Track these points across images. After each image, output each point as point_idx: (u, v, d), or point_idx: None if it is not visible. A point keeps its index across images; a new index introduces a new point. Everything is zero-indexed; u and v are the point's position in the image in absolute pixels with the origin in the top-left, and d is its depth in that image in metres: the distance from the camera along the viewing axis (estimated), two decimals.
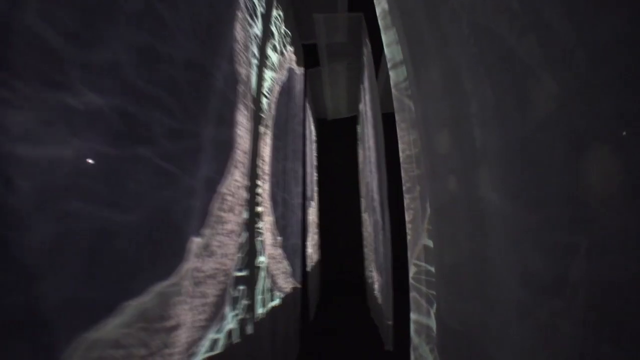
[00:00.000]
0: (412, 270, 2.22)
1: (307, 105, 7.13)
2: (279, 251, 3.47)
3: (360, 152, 8.40)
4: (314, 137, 8.06)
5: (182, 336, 1.54)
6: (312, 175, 7.18)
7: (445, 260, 1.73)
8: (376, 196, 4.98)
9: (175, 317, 1.48)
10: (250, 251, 2.51)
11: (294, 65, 5.26)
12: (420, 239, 2.18)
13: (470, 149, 1.46)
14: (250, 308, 2.53)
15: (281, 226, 3.59)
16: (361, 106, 7.75)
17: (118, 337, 1.15)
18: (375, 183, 4.91)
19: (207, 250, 1.80)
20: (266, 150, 3.22)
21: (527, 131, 1.18)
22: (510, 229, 1.20)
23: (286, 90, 4.50)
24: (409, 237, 2.39)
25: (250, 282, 2.51)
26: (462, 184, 1.54)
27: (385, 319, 4.18)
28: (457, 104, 1.60)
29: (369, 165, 6.02)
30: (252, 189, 2.65)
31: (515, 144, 1.21)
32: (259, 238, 2.76)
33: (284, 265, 3.67)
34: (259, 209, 2.81)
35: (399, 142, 2.64)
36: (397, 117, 2.64)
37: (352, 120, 9.25)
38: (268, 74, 3.57)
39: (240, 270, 2.36)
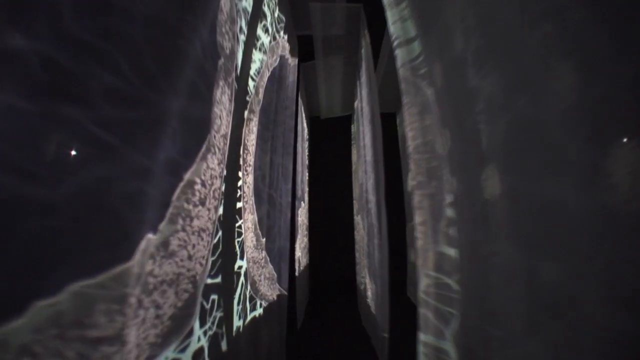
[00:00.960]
0: (422, 282, 1.84)
1: (300, 101, 6.77)
2: (263, 254, 3.08)
3: (354, 152, 8.05)
4: (306, 135, 7.69)
5: (121, 353, 1.15)
6: (304, 175, 6.80)
7: (476, 273, 1.36)
8: (372, 197, 4.61)
9: (108, 327, 1.09)
10: (226, 254, 2.11)
11: (287, 54, 4.89)
12: (434, 245, 1.81)
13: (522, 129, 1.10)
14: (226, 321, 2.13)
15: (266, 226, 3.19)
16: (356, 103, 7.41)
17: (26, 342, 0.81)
18: (371, 183, 4.54)
19: (164, 251, 1.41)
20: (251, 138, 2.84)
21: None
22: (587, 241, 0.83)
23: (277, 77, 4.13)
24: (419, 242, 2.01)
25: (226, 290, 2.12)
26: (510, 177, 1.17)
27: (380, 330, 3.81)
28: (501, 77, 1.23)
29: (363, 165, 5.66)
30: (231, 180, 2.26)
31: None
32: (239, 239, 2.36)
33: (269, 270, 3.28)
34: (240, 205, 2.42)
35: (408, 129, 2.27)
36: (405, 101, 2.28)
37: (347, 120, 8.91)
38: (257, 56, 3.18)
39: (213, 276, 1.96)
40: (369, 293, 4.92)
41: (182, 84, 1.70)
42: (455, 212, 1.62)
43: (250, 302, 2.59)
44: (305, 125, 7.44)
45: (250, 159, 2.86)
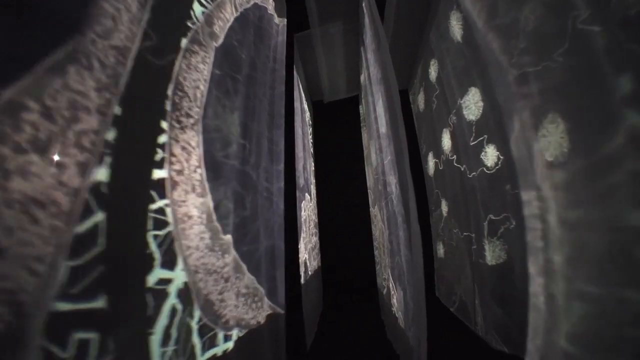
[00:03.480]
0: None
1: (298, 79, 5.79)
2: (227, 260, 2.08)
3: (365, 135, 7.01)
4: (308, 119, 6.68)
5: None
6: (308, 163, 5.79)
7: None
8: (392, 178, 3.57)
9: None
10: (118, 255, 1.12)
11: (270, 8, 3.91)
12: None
13: None
14: None
15: (236, 218, 2.20)
16: (362, 78, 6.38)
17: None
18: (390, 160, 3.51)
19: None
20: (194, 79, 1.85)
21: None
22: None
23: (255, 27, 3.15)
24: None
25: (122, 322, 1.13)
26: None
27: (414, 352, 2.77)
28: None
29: (376, 142, 4.62)
30: (135, 127, 1.28)
31: None
32: (157, 232, 1.37)
33: (245, 282, 2.28)
34: (162, 173, 1.43)
35: None
36: None
37: (353, 102, 7.87)
38: None
39: (78, 297, 0.98)
40: (394, 300, 3.88)
41: None
42: None
43: (202, 336, 1.60)
44: (306, 107, 6.44)
45: (192, 108, 1.88)
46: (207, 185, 1.96)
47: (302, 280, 4.40)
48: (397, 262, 3.42)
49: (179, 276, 1.47)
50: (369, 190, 6.80)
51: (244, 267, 2.26)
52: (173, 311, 1.39)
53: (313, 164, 6.81)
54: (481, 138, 3.60)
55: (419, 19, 5.42)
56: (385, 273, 4.80)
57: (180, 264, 1.50)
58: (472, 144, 3.82)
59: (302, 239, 4.44)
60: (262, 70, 3.43)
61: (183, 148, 1.80)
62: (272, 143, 3.17)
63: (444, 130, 4.94)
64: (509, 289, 3.17)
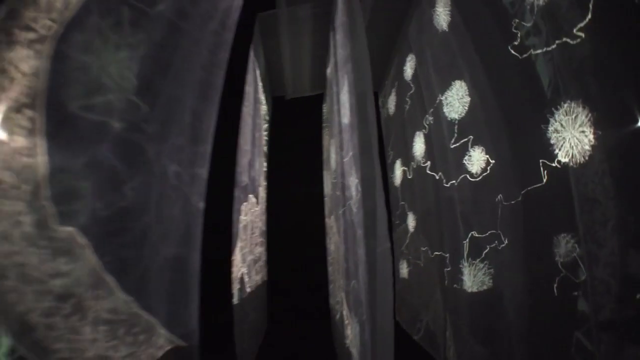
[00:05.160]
0: None
1: (256, 62, 4.99)
2: (68, 266, 1.23)
3: (326, 137, 6.28)
4: (264, 112, 5.86)
5: None
6: (256, 160, 4.96)
7: None
8: (353, 179, 2.83)
9: None
10: None
11: None
12: None
13: None
14: None
15: (100, 205, 1.36)
16: (329, 70, 5.65)
17: None
18: (353, 155, 2.77)
19: None
20: None
21: None
22: None
23: None
24: None
25: None
26: None
27: None
28: None
29: (337, 138, 3.88)
30: None
31: None
32: None
33: (112, 305, 1.43)
34: None
35: None
36: None
37: (318, 101, 7.15)
38: None
39: None
40: (348, 332, 3.10)
41: None
42: None
43: None
44: (263, 98, 5.63)
45: (37, 19, 1.07)
46: (41, 140, 1.13)
47: (237, 300, 3.55)
48: (353, 287, 2.66)
49: None
50: (325, 198, 6.05)
51: (111, 281, 1.42)
52: None
53: (265, 164, 5.98)
54: (465, 140, 2.96)
55: (397, 13, 4.83)
56: (339, 295, 4.02)
57: None
58: (452, 146, 3.17)
59: (239, 249, 3.59)
60: (198, 24, 2.63)
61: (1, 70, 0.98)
62: (196, 118, 2.34)
63: (417, 133, 4.30)
64: (494, 323, 2.50)
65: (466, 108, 3.00)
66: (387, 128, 6.08)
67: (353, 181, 2.72)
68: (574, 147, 1.87)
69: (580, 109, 1.84)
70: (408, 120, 4.70)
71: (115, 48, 1.52)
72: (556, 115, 1.99)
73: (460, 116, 3.08)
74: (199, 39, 2.62)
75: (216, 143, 3.05)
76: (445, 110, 3.33)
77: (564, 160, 1.91)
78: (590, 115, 1.80)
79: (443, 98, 3.38)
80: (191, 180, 2.33)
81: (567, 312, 1.80)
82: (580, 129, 1.85)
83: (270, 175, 6.35)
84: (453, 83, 3.21)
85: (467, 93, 2.98)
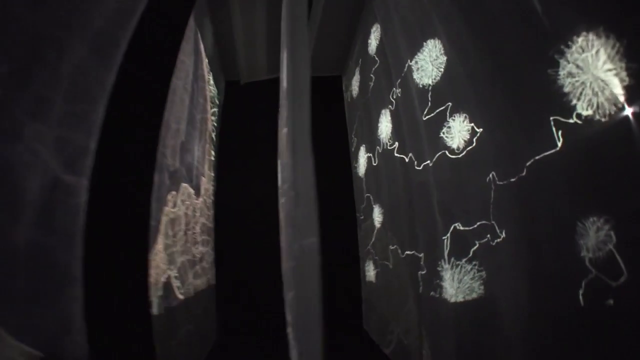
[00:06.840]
0: None
1: (199, 35, 4.26)
2: None
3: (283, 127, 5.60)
4: (211, 96, 5.12)
5: None
6: (199, 149, 4.23)
7: None
8: (285, 155, 2.19)
9: None
10: None
11: None
12: None
13: None
14: None
15: None
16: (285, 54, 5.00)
17: None
18: (285, 117, 2.14)
19: None
20: None
21: None
22: None
23: None
24: None
25: None
26: None
27: None
28: None
29: (281, 112, 3.22)
30: None
31: None
32: None
33: None
34: None
35: None
36: None
37: (275, 85, 6.45)
38: None
39: None
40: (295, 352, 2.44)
41: None
42: None
43: None
44: (210, 78, 4.90)
45: None
46: None
47: (159, 310, 2.83)
48: (292, 302, 2.00)
49: None
50: (279, 191, 5.38)
51: None
52: None
53: (213, 153, 5.25)
54: (442, 108, 2.38)
55: None
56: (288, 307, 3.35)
57: None
58: (425, 118, 2.59)
59: (162, 247, 2.86)
60: None
61: None
62: (79, 70, 1.64)
63: (382, 112, 3.72)
64: (488, 344, 1.91)
65: (441, 70, 2.43)
66: (350, 112, 5.50)
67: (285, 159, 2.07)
68: (600, 94, 1.31)
69: (602, 39, 1.30)
70: (372, 99, 4.12)
71: None
72: (568, 55, 1.44)
73: (434, 81, 2.50)
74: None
75: (125, 112, 2.34)
76: (415, 76, 2.75)
77: (586, 113, 1.34)
78: (617, 45, 1.25)
79: (413, 63, 2.80)
80: (60, 145, 1.62)
81: (598, 329, 1.23)
82: (606, 66, 1.30)
83: (221, 166, 5.61)
84: (425, 44, 2.64)
85: (443, 52, 2.41)
